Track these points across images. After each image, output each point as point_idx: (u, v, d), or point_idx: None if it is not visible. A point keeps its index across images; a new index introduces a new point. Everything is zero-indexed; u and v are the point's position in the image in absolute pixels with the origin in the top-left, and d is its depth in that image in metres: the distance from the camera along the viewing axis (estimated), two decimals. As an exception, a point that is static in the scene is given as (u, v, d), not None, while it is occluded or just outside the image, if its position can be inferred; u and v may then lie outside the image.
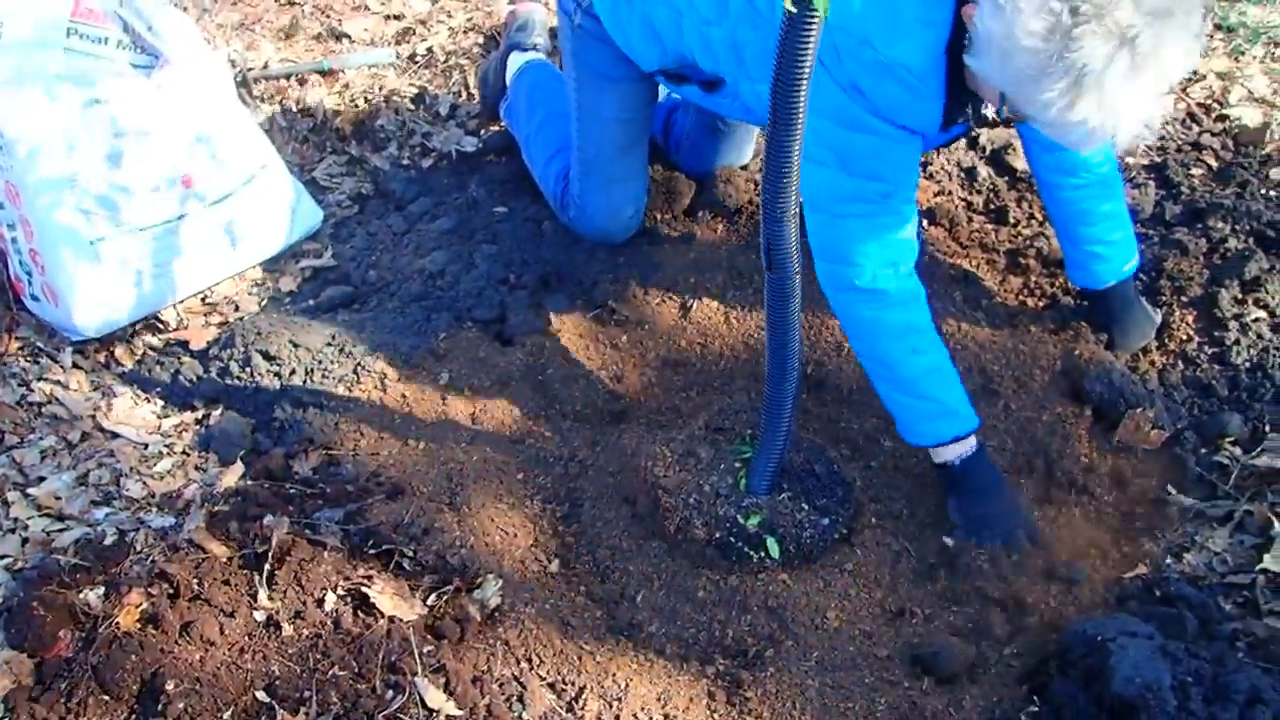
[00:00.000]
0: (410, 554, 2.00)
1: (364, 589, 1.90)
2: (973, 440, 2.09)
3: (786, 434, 1.96)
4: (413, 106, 3.46)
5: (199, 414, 2.43)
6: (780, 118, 1.48)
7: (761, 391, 1.94)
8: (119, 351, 2.58)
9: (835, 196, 2.00)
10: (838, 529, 2.07)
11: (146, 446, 2.34)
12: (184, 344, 2.59)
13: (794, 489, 2.08)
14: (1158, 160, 2.85)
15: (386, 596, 1.89)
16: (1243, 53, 3.26)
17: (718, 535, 2.02)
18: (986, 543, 2.05)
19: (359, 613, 1.88)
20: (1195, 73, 3.15)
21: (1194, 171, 2.78)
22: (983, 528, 2.08)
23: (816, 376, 2.42)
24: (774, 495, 2.06)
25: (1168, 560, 2.06)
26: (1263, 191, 2.63)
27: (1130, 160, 2.86)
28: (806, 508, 2.05)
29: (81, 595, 1.92)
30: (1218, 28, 3.36)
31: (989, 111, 1.92)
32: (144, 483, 2.25)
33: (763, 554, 2.01)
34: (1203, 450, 2.22)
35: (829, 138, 1.93)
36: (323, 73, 3.68)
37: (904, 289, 2.06)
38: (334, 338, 2.50)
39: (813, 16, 1.34)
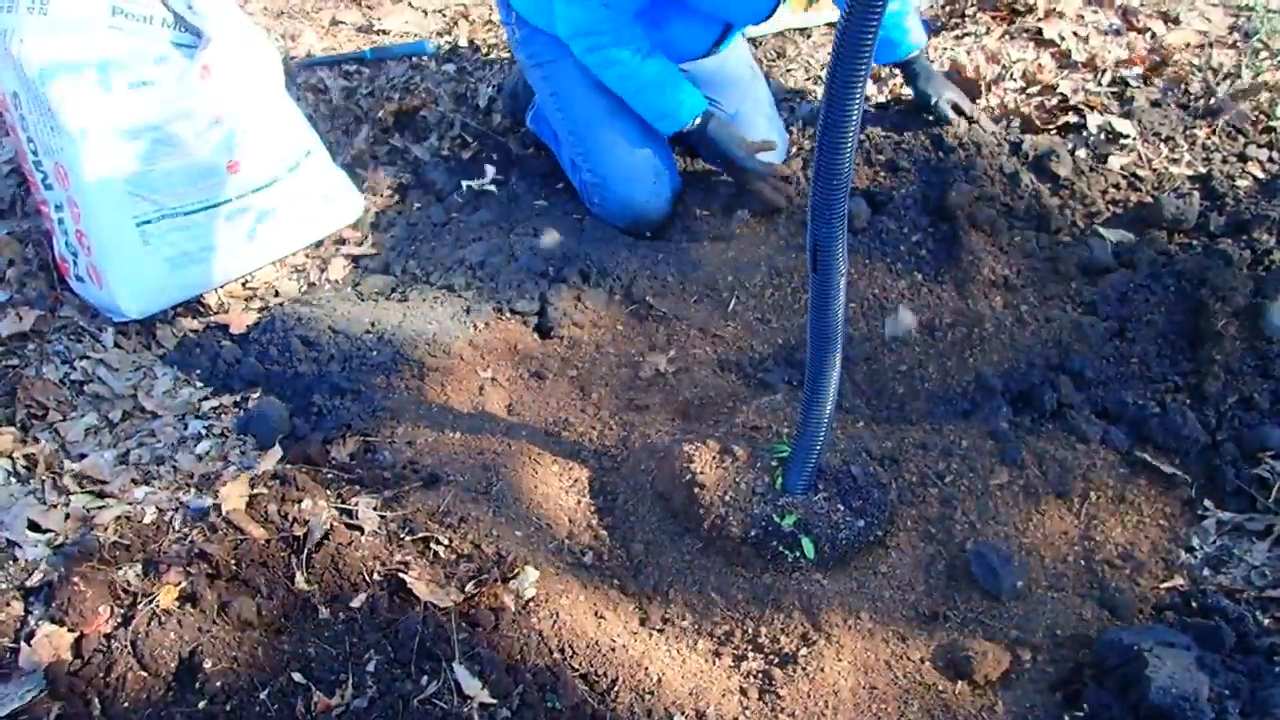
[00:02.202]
0: (446, 542, 2.01)
1: (400, 575, 1.91)
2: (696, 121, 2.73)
3: (825, 434, 1.96)
4: (453, 98, 3.47)
5: (238, 397, 2.45)
6: (832, 121, 1.47)
7: (799, 391, 1.94)
8: (160, 333, 2.61)
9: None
10: (873, 531, 2.06)
11: (186, 427, 2.36)
12: (224, 328, 2.62)
13: (830, 490, 2.08)
14: (1202, 171, 2.83)
15: (423, 583, 1.90)
16: (1290, 65, 3.23)
17: (753, 533, 2.02)
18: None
19: (395, 598, 1.89)
20: (1245, 86, 3.12)
21: (1239, 183, 2.75)
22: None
23: (856, 378, 2.42)
24: (810, 495, 2.06)
25: (1205, 572, 2.04)
26: (1309, 205, 2.60)
27: (1175, 170, 2.84)
28: (842, 509, 2.05)
29: (121, 572, 1.94)
30: (1248, 40, 3.33)
31: None
32: (183, 463, 2.27)
33: (798, 553, 2.01)
34: (1242, 463, 2.20)
35: None
36: (364, 62, 3.70)
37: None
38: (373, 325, 2.52)
39: (876, 10, 1.33)
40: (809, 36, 3.70)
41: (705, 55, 2.88)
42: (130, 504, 2.13)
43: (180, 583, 1.90)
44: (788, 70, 3.55)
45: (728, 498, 2.06)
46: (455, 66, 3.71)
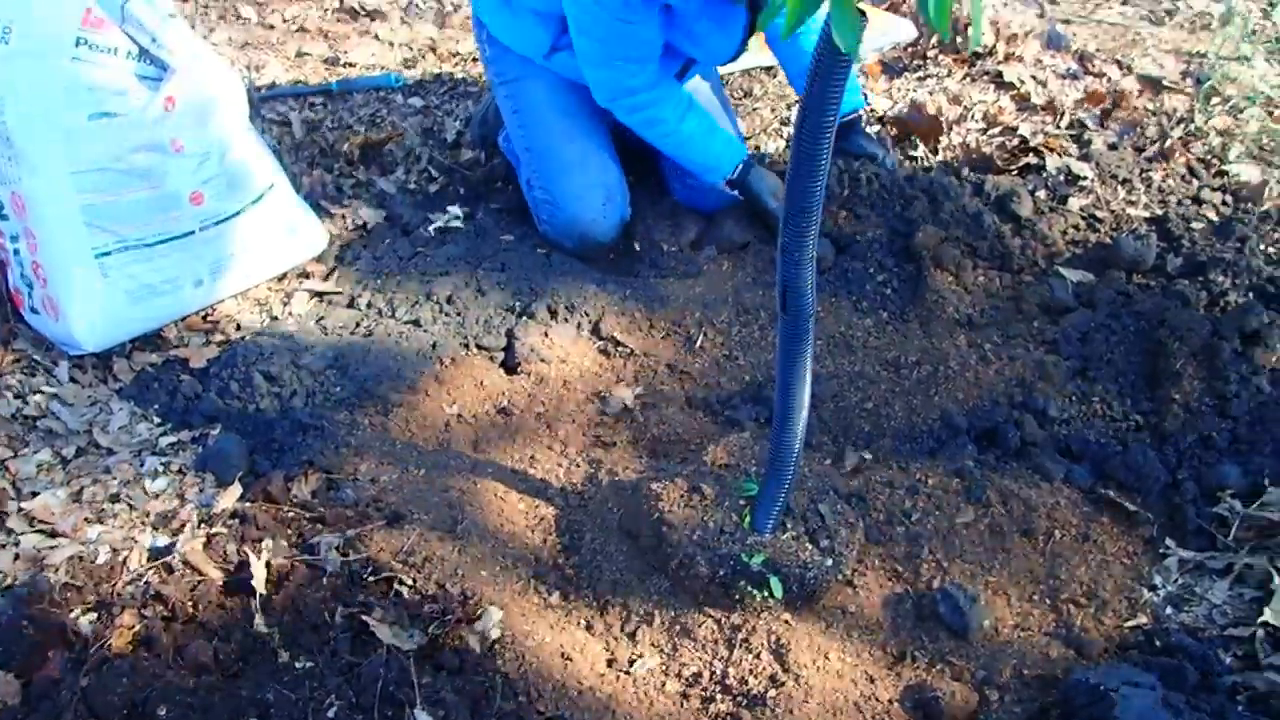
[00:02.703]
0: (410, 582, 1.98)
1: (363, 616, 1.87)
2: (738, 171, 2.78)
3: (793, 474, 1.95)
4: (420, 132, 3.47)
5: (196, 433, 2.40)
6: (802, 164, 1.48)
7: (768, 428, 1.94)
8: (117, 367, 2.56)
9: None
10: (841, 570, 2.06)
11: (143, 464, 2.31)
12: (183, 362, 2.58)
13: (798, 529, 2.07)
14: (1159, 212, 2.88)
15: (385, 625, 1.87)
16: (1240, 111, 3.31)
17: (721, 573, 2.01)
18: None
19: (357, 641, 1.86)
20: (1198, 129, 3.19)
21: (1195, 225, 2.80)
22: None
23: (823, 416, 2.42)
24: (778, 534, 2.05)
25: (1168, 610, 2.06)
26: (1262, 247, 2.65)
27: (1133, 212, 2.89)
28: (810, 548, 2.05)
29: (73, 615, 1.89)
30: (1199, 85, 3.41)
31: None
32: (139, 501, 2.22)
33: (766, 593, 2.00)
34: (1202, 501, 2.23)
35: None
36: (330, 94, 3.69)
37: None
38: (337, 360, 2.49)
39: (844, 63, 1.34)
40: (775, 75, 3.74)
41: None
42: (83, 544, 2.08)
43: (134, 626, 1.85)
44: (754, 109, 3.58)
45: (695, 537, 2.05)
46: (422, 100, 3.70)
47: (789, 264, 1.63)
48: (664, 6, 2.53)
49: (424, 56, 4.00)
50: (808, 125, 1.44)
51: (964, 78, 3.63)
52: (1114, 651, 1.98)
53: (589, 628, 2.03)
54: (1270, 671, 1.87)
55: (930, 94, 3.51)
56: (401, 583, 1.98)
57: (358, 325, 2.70)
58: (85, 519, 2.16)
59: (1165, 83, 3.52)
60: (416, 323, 2.67)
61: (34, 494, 2.20)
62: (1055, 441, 2.37)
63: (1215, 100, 3.36)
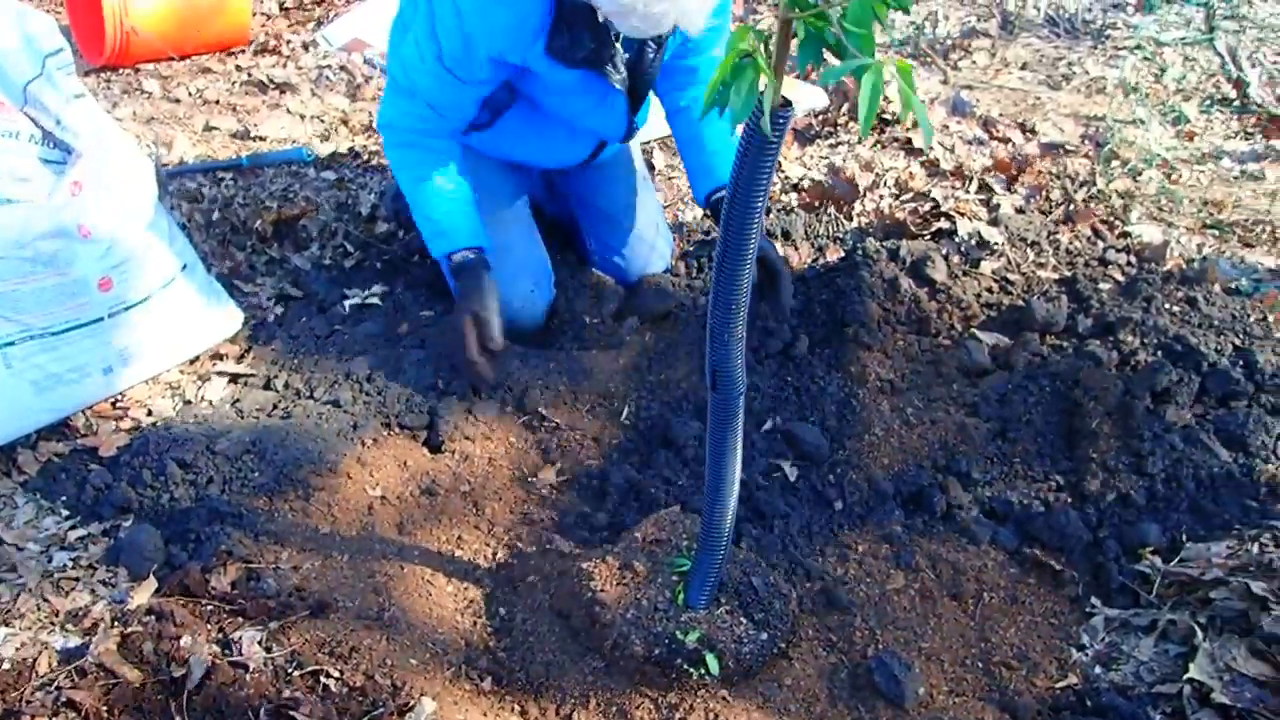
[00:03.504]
0: (338, 674, 1.92)
1: (290, 712, 1.81)
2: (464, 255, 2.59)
3: (725, 548, 1.95)
4: (334, 206, 3.43)
5: (107, 525, 2.31)
6: (730, 245, 1.49)
7: (699, 503, 1.94)
8: (22, 459, 2.45)
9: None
10: (776, 643, 2.05)
11: (50, 560, 2.21)
12: (92, 450, 2.49)
13: (732, 603, 2.06)
14: (1067, 274, 2.97)
15: (313, 722, 1.80)
16: (1139, 173, 3.44)
17: (656, 652, 1.98)
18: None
19: (284, 741, 1.79)
20: (1099, 191, 3.31)
21: (1102, 286, 2.89)
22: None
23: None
24: (712, 610, 2.04)
25: (1097, 670, 2.08)
26: (1168, 306, 2.74)
27: (1042, 274, 2.97)
28: (745, 622, 2.03)
29: (-22, 726, 1.79)
30: (1099, 149, 3.55)
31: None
32: (48, 600, 2.12)
33: (703, 670, 1.98)
34: (1124, 559, 2.27)
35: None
36: (240, 169, 3.63)
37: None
38: (254, 445, 2.42)
39: (773, 146, 1.36)
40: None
41: (583, 163, 2.90)
42: (-12, 648, 1.98)
43: (45, 735, 1.76)
44: (670, 179, 3.62)
45: (629, 615, 2.03)
46: (335, 174, 3.67)
47: (717, 346, 1.64)
48: (521, 74, 2.48)
49: (336, 130, 3.97)
50: (736, 208, 1.46)
51: (874, 144, 3.72)
52: (1047, 714, 2.00)
53: (523, 713, 1.98)
54: (1198, 728, 1.90)
55: (842, 161, 3.59)
56: (329, 675, 1.92)
57: (275, 407, 2.64)
58: (-11, 622, 2.06)
59: (1066, 147, 3.65)
60: (336, 403, 2.61)
61: (-67, 597, 2.09)
62: (979, 503, 2.40)
63: (1115, 163, 3.50)
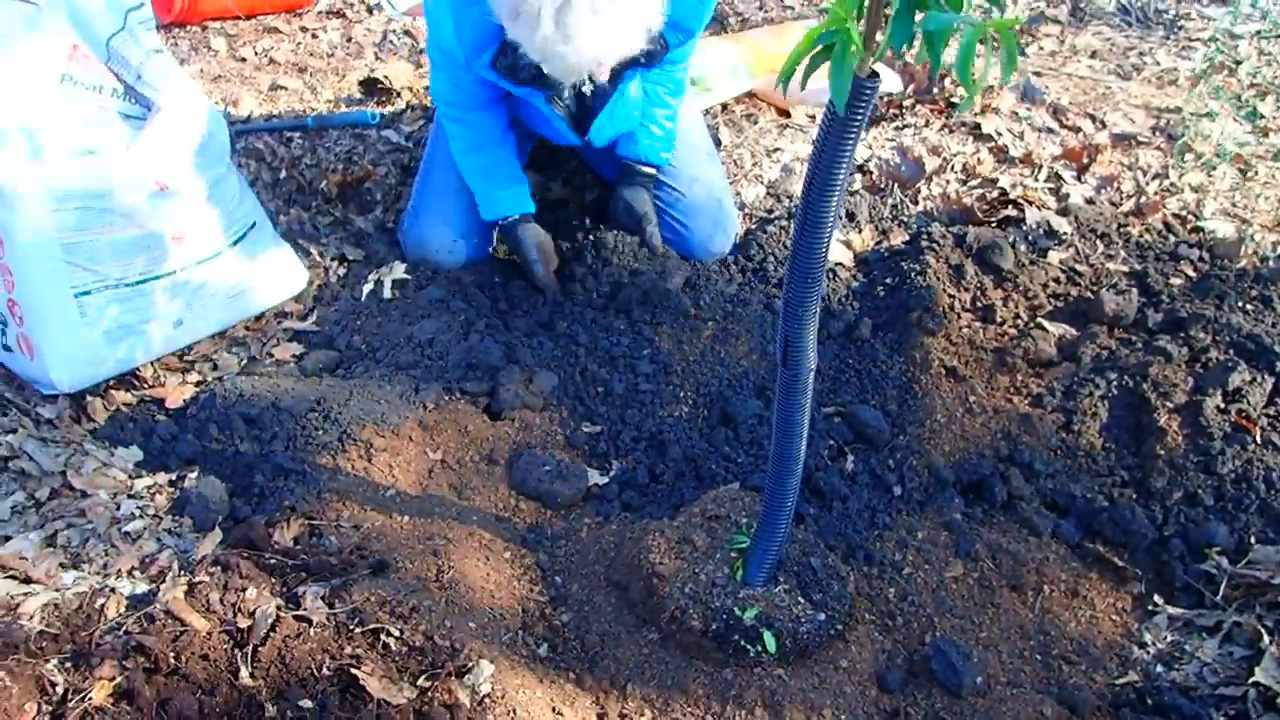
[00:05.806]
0: (398, 633, 1.93)
1: (352, 669, 1.83)
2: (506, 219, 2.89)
3: (787, 527, 1.94)
4: (399, 169, 3.44)
5: (173, 476, 2.35)
6: (808, 224, 1.48)
7: (757, 480, 1.93)
8: (91, 407, 2.49)
9: None
10: (834, 625, 2.04)
11: (119, 508, 2.25)
12: (159, 402, 2.52)
13: (790, 582, 2.06)
14: (1138, 268, 2.92)
15: (375, 679, 1.82)
16: (1213, 168, 3.37)
17: (714, 627, 1.98)
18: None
19: (346, 695, 1.80)
20: (1172, 185, 3.25)
21: (1173, 281, 2.84)
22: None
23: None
24: (771, 588, 2.04)
25: (1159, 669, 2.06)
26: (1241, 304, 2.69)
27: (1112, 266, 2.92)
28: (803, 602, 2.03)
29: (49, 666, 1.82)
30: (1171, 141, 3.48)
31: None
32: (115, 546, 2.16)
33: (760, 648, 1.98)
34: (1190, 558, 2.24)
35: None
36: (306, 130, 3.65)
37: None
38: (318, 404, 2.44)
39: (857, 120, 1.35)
40: (756, 122, 3.75)
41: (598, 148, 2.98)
42: (58, 590, 2.01)
43: (115, 678, 1.79)
44: (734, 155, 3.59)
45: (687, 589, 2.03)
46: (397, 136, 3.67)
47: (792, 320, 1.63)
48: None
49: (399, 93, 3.98)
50: (815, 186, 1.44)
51: (941, 128, 3.67)
52: (1107, 710, 1.98)
53: (578, 682, 1.99)
54: (1262, 731, 1.88)
55: (909, 143, 3.55)
56: (389, 634, 1.93)
57: (337, 367, 2.66)
58: (60, 564, 2.09)
59: (1138, 138, 3.58)
60: (398, 365, 2.63)
61: (6, 538, 2.13)
62: (1041, 495, 2.38)
63: (1189, 156, 3.43)
